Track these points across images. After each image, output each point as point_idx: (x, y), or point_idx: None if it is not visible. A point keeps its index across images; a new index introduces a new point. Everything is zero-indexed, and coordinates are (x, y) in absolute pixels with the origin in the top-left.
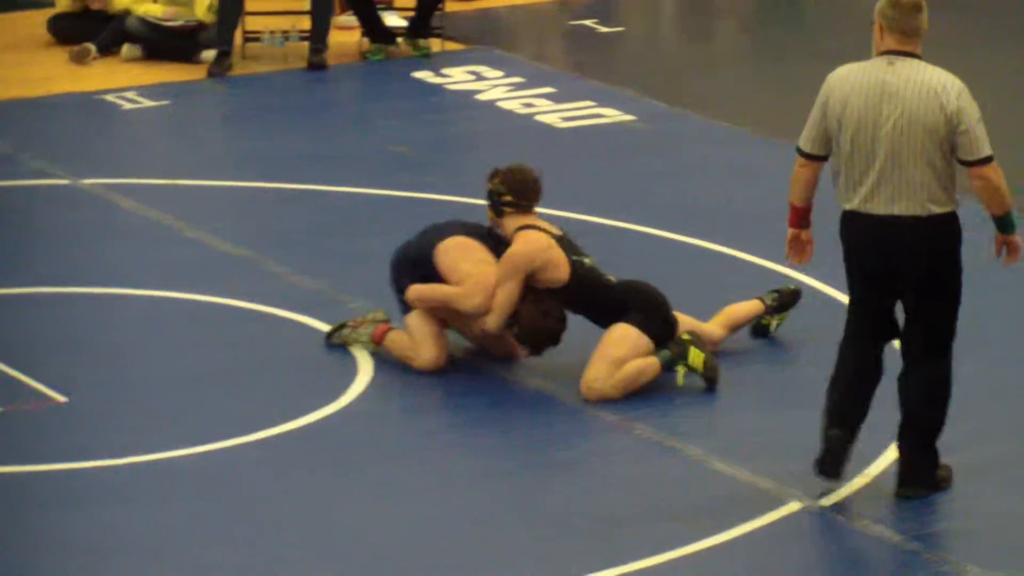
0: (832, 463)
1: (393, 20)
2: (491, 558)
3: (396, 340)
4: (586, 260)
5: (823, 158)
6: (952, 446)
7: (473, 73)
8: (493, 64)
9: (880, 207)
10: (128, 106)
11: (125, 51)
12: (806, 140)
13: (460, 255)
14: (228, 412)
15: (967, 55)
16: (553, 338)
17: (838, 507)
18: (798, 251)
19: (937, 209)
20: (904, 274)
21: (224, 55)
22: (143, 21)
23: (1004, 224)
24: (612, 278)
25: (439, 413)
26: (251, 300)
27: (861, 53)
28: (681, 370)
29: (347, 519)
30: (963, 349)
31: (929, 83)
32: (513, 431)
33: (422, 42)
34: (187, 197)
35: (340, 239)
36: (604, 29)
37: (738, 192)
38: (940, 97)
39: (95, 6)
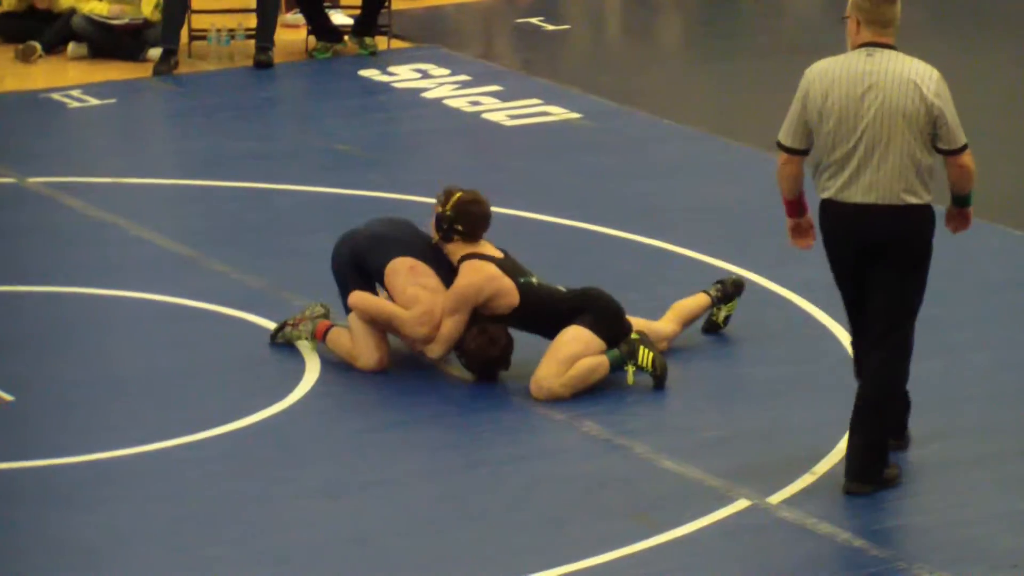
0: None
1: (340, 18)
2: (436, 556)
3: (338, 340)
4: (532, 279)
5: (805, 152)
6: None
7: (420, 71)
8: (440, 62)
9: (857, 195)
10: (74, 105)
11: (71, 50)
12: (787, 135)
13: (410, 279)
14: (174, 411)
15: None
16: (501, 364)
17: (786, 504)
18: (802, 236)
19: (912, 200)
20: (875, 258)
21: (170, 53)
22: (89, 20)
23: (965, 200)
24: (562, 288)
25: (384, 411)
26: (196, 298)
27: (801, 49)
28: (631, 369)
29: (290, 518)
30: (926, 346)
31: (908, 73)
32: (459, 428)
33: (368, 40)
34: (133, 195)
35: (285, 237)
36: (550, 27)
37: (683, 189)
38: (920, 87)
39: (41, 5)
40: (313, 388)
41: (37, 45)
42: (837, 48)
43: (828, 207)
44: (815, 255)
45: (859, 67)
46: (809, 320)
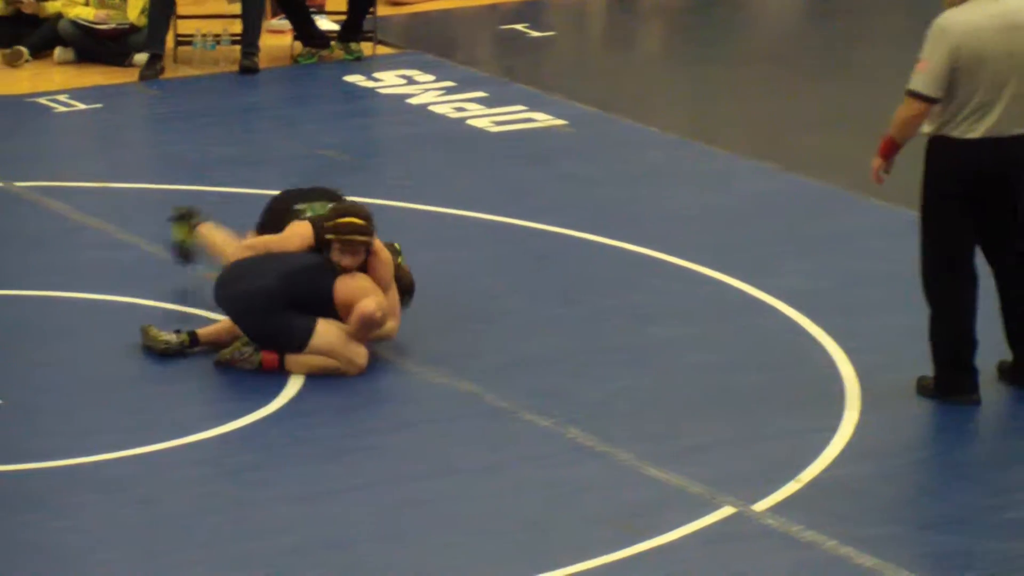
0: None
1: (325, 24)
2: (414, 562)
3: (311, 362)
4: None
5: (938, 100)
6: (891, 451)
7: (405, 77)
8: (425, 68)
9: (1011, 129)
10: (60, 109)
11: (57, 54)
12: (929, 85)
13: (356, 285)
14: (159, 416)
15: None
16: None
17: (771, 512)
18: (885, 173)
19: None
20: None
21: (156, 59)
22: (75, 24)
23: None
24: None
25: (364, 416)
26: (182, 303)
27: (781, 56)
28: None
29: (266, 523)
30: None
31: None
32: (439, 435)
33: (354, 46)
34: (118, 200)
35: None
36: (535, 33)
37: (666, 195)
38: None
39: (28, 10)
40: (297, 394)
41: (24, 49)
42: (816, 54)
43: (971, 147)
44: (798, 262)
45: (996, 10)
46: (792, 326)
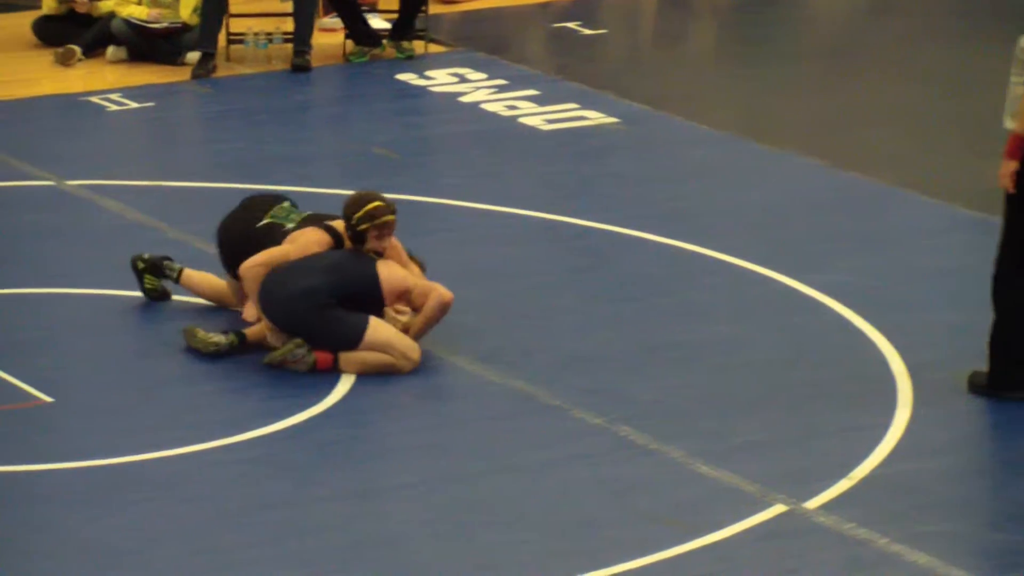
0: None
1: (377, 22)
2: (467, 560)
3: (365, 359)
4: None
5: None
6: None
7: (456, 75)
8: (476, 66)
9: None
10: (113, 108)
11: (110, 53)
12: None
13: (397, 268)
14: (210, 414)
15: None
16: None
17: (823, 509)
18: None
19: None
20: None
21: (208, 57)
22: (128, 23)
23: None
24: None
25: (417, 414)
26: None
27: (833, 53)
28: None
29: (320, 521)
30: None
31: None
32: (492, 432)
33: (406, 44)
34: (170, 198)
35: None
36: (587, 31)
37: (717, 193)
38: None
39: (80, 9)
40: (349, 391)
41: (76, 48)
42: (869, 52)
43: None
44: (849, 258)
45: None
46: (843, 323)
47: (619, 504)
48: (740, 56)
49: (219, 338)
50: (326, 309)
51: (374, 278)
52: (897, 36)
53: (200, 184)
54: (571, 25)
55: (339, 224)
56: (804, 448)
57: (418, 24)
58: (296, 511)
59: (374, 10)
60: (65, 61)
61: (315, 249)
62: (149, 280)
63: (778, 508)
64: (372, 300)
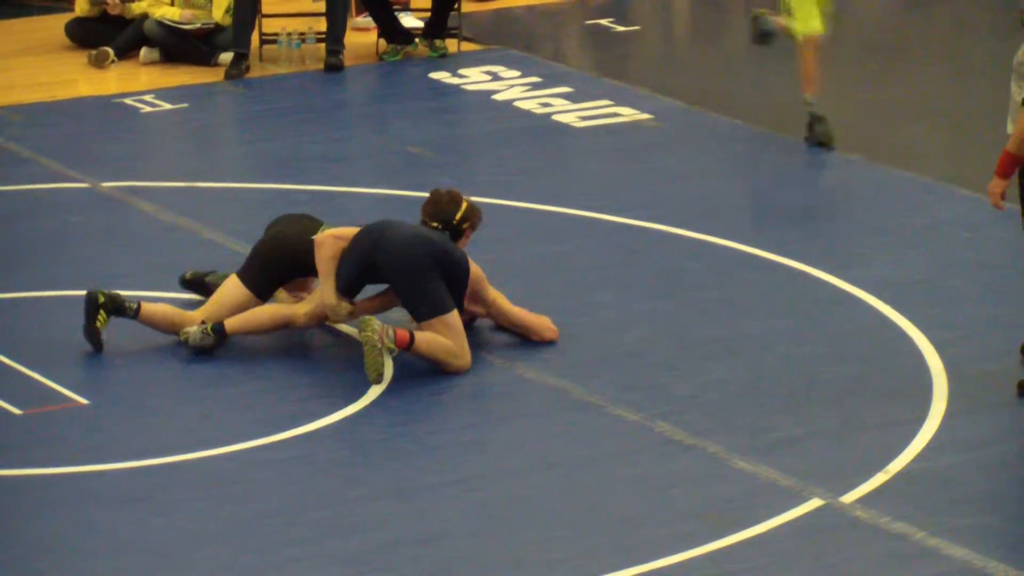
0: None
1: (409, 21)
2: (507, 557)
3: (435, 342)
4: None
5: None
6: (981, 441)
7: (490, 73)
8: (510, 64)
9: None
10: (147, 109)
11: (143, 54)
12: None
13: (481, 274)
14: (251, 413)
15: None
16: None
17: (860, 504)
18: (1002, 197)
19: None
20: None
21: (241, 57)
22: (161, 24)
23: None
24: None
25: (455, 412)
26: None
27: (870, 48)
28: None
29: (361, 519)
30: None
31: None
32: (530, 430)
33: (439, 43)
34: (205, 199)
35: None
36: (620, 28)
37: (753, 189)
38: None
39: (113, 11)
40: (386, 390)
41: (110, 50)
42: (911, 46)
43: None
44: (889, 253)
45: None
46: (880, 318)
47: (657, 500)
48: (774, 51)
49: (195, 328)
50: (434, 270)
51: (467, 269)
52: (937, 30)
53: (235, 185)
54: (604, 22)
55: None
56: (841, 442)
57: (450, 22)
58: (337, 510)
59: (407, 9)
60: (99, 63)
61: None
62: (102, 319)
63: (816, 503)
64: (457, 287)
